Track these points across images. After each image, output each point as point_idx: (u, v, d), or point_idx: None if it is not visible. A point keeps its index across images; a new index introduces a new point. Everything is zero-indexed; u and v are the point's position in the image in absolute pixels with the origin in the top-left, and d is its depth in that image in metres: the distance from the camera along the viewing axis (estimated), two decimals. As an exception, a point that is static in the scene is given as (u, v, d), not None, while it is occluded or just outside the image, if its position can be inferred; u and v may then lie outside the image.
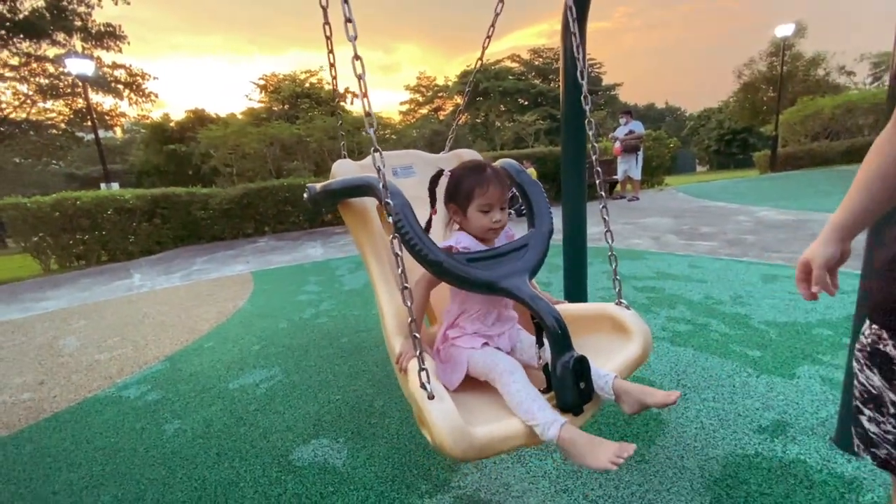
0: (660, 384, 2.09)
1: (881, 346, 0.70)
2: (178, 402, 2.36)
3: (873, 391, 0.73)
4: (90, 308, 4.55)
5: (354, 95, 18.12)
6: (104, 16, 14.05)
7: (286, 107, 15.01)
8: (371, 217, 1.45)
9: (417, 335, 1.01)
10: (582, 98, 1.31)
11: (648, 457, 1.62)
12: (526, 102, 39.73)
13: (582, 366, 1.02)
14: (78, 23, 14.33)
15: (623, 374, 1.12)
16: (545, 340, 1.10)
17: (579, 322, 1.33)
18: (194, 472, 1.76)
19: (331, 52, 1.39)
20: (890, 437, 0.72)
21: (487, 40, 1.60)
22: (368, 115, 1.00)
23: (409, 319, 1.01)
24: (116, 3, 12.17)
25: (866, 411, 0.76)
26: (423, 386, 0.98)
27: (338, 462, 1.74)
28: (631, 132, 8.80)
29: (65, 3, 14.08)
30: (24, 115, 18.03)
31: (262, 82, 19.29)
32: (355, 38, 0.97)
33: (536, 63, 41.40)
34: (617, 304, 1.31)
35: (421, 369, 0.99)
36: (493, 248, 1.23)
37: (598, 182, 1.34)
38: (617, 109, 27.02)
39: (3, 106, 17.45)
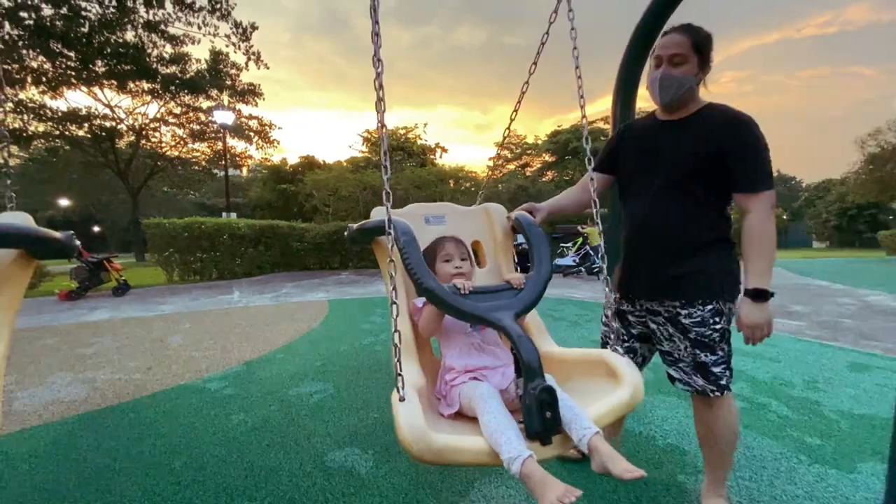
0: (694, 453, 2.02)
1: None
2: (247, 399, 2.73)
3: None
4: (196, 314, 5.35)
5: (444, 150, 19.45)
6: (248, 76, 16.88)
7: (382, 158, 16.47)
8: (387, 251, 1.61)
9: (398, 345, 1.11)
10: (587, 161, 1.50)
11: (659, 519, 1.60)
12: (617, 162, 39.11)
13: (549, 395, 1.04)
14: (228, 82, 17.43)
15: (609, 419, 1.16)
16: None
17: (574, 365, 1.41)
18: (246, 456, 2.06)
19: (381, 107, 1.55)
20: None
21: (516, 109, 1.79)
22: (386, 168, 1.22)
23: (393, 329, 1.12)
24: (259, 68, 14.76)
25: None
26: (396, 389, 1.08)
27: (363, 469, 1.93)
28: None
29: (221, 66, 17.21)
30: (176, 154, 21.92)
31: (366, 135, 21.52)
32: (384, 110, 1.16)
33: (631, 126, 41.03)
34: (612, 349, 1.36)
35: (397, 375, 1.08)
36: (488, 286, 1.37)
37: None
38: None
39: (163, 145, 21.41)
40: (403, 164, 13.16)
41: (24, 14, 11.88)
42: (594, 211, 1.51)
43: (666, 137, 1.51)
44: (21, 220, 1.10)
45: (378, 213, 1.59)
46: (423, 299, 1.37)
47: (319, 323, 4.72)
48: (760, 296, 1.34)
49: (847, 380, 2.92)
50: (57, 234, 1.14)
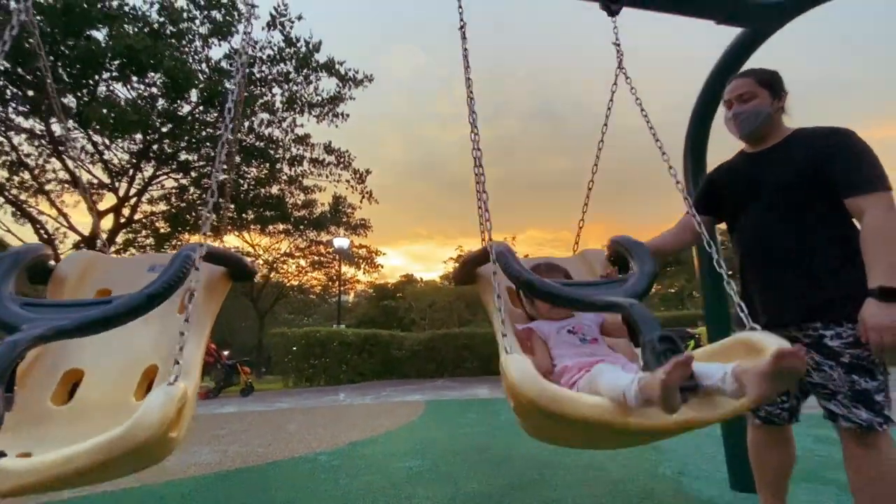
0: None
1: None
2: (352, 468, 2.89)
3: None
4: (307, 410, 5.77)
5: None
6: (360, 213, 19.79)
7: (475, 272, 17.42)
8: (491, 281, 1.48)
9: (500, 309, 1.21)
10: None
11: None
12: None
13: (671, 342, 0.99)
14: (344, 219, 20.48)
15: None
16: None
17: (712, 359, 1.16)
18: (353, 508, 2.17)
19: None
20: None
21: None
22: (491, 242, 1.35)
23: (499, 318, 1.21)
24: (371, 203, 17.36)
25: None
26: (503, 350, 1.09)
27: (462, 526, 1.93)
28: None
29: (340, 207, 20.42)
30: (297, 282, 25.20)
31: (461, 252, 23.05)
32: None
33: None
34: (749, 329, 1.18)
35: (503, 335, 1.13)
36: (586, 281, 1.51)
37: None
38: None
39: (288, 275, 24.87)
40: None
41: (206, 180, 15.71)
42: (715, 259, 1.38)
43: (761, 167, 1.52)
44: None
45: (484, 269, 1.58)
46: (523, 325, 1.46)
47: (417, 417, 4.82)
48: (888, 294, 1.18)
49: None
50: (247, 259, 1.61)
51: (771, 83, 1.54)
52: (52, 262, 1.40)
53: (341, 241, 14.01)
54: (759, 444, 1.63)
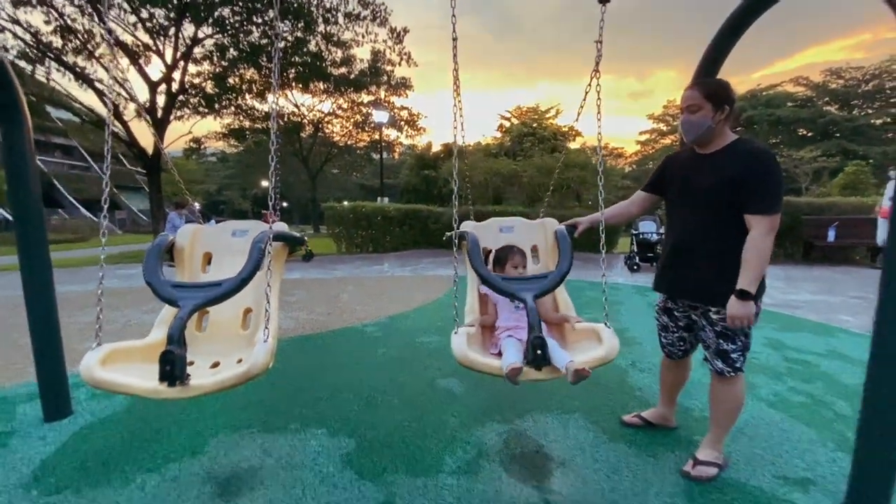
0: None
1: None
2: (388, 340, 3.90)
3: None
4: (357, 279, 6.98)
5: (578, 134, 19.05)
6: (401, 71, 19.01)
7: (513, 144, 17.19)
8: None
9: (456, 305, 1.99)
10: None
11: None
12: (809, 134, 32.92)
13: (540, 341, 1.62)
14: (384, 78, 19.81)
15: (592, 364, 1.64)
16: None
17: (580, 331, 1.98)
18: (385, 374, 3.15)
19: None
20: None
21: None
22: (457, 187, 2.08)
23: (454, 312, 1.94)
24: (409, 66, 16.63)
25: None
26: (455, 329, 1.84)
27: (458, 391, 2.85)
28: (907, 189, 7.03)
29: (379, 64, 19.58)
30: (343, 143, 25.75)
31: (507, 114, 22.23)
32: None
33: (832, 86, 33.75)
34: (605, 325, 1.83)
35: (457, 323, 1.90)
36: (524, 276, 2.05)
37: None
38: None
39: (334, 135, 25.34)
40: (532, 151, 13.68)
41: (242, 38, 15.38)
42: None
43: (698, 168, 1.82)
44: (285, 227, 2.21)
45: (464, 227, 2.38)
46: (485, 288, 2.12)
47: (444, 293, 5.81)
48: (744, 295, 1.66)
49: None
50: (298, 235, 2.24)
51: (715, 96, 1.75)
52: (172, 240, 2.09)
53: (381, 115, 13.99)
54: (664, 366, 2.31)
